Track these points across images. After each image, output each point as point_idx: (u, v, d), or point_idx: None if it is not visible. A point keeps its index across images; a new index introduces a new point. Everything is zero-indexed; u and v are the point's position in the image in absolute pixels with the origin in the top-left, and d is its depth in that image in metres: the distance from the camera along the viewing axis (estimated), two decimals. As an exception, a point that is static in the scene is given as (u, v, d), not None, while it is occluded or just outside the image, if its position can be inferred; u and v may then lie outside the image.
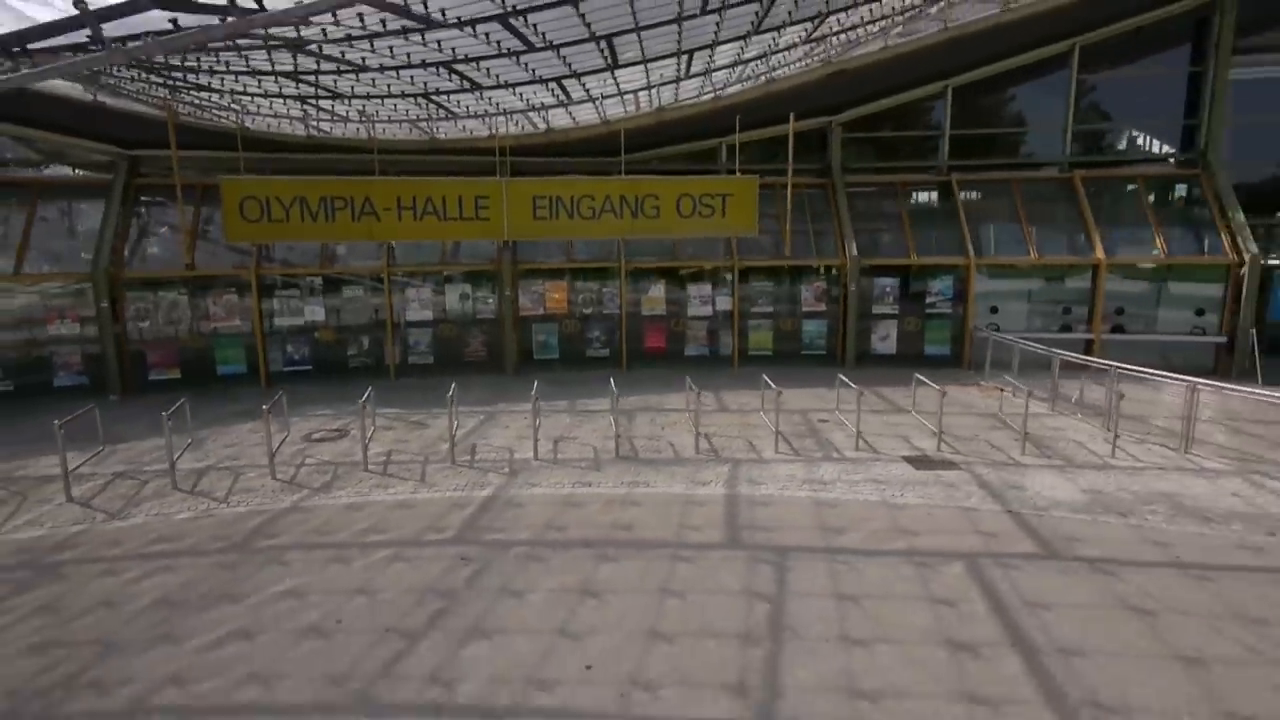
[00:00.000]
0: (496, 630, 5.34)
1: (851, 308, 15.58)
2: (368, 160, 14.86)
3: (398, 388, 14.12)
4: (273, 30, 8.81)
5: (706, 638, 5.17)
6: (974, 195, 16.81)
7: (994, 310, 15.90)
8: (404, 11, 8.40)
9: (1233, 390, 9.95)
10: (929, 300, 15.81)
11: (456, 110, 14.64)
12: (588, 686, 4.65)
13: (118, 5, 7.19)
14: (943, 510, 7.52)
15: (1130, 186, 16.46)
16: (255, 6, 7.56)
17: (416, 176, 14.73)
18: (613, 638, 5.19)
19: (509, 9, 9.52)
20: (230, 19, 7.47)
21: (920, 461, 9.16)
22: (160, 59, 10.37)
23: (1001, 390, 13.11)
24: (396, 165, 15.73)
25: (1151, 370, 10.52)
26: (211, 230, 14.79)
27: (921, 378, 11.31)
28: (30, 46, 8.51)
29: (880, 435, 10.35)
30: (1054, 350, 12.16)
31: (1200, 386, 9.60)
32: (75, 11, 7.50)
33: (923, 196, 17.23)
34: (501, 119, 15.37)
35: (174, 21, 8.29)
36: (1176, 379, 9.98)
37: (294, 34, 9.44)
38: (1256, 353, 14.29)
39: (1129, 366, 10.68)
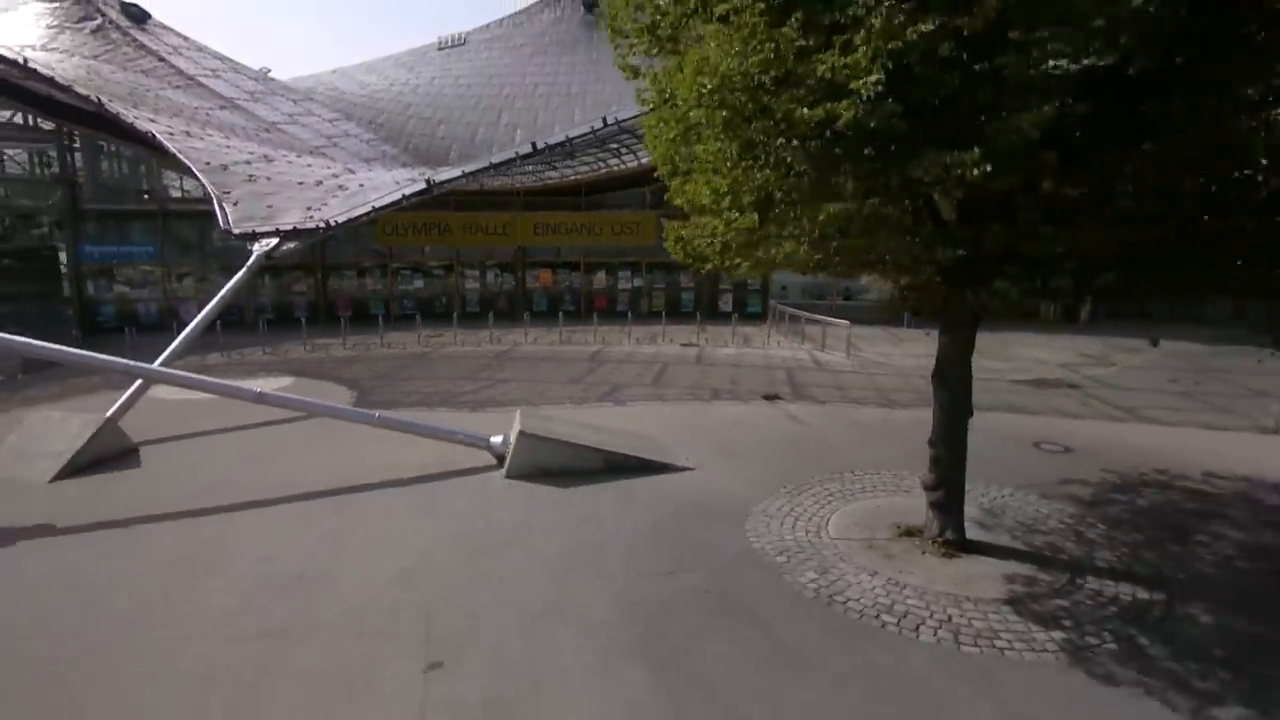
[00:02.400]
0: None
1: (704, 287, 28.83)
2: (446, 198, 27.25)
3: (463, 321, 26.64)
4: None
5: (681, 366, 18.11)
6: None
7: (784, 289, 29.36)
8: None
9: (865, 327, 23.38)
10: (749, 284, 29.17)
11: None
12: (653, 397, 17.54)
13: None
14: (748, 355, 20.70)
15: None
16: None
17: (472, 212, 27.18)
18: (674, 374, 18.11)
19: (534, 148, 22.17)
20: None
21: (720, 347, 22.39)
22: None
23: (772, 331, 26.56)
24: (460, 201, 28.12)
25: (831, 319, 23.85)
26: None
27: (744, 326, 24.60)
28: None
29: (717, 342, 23.55)
30: (801, 311, 25.50)
31: (840, 323, 22.99)
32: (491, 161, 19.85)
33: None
34: (520, 178, 27.98)
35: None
36: (836, 321, 23.32)
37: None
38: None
39: (819, 316, 24.03)
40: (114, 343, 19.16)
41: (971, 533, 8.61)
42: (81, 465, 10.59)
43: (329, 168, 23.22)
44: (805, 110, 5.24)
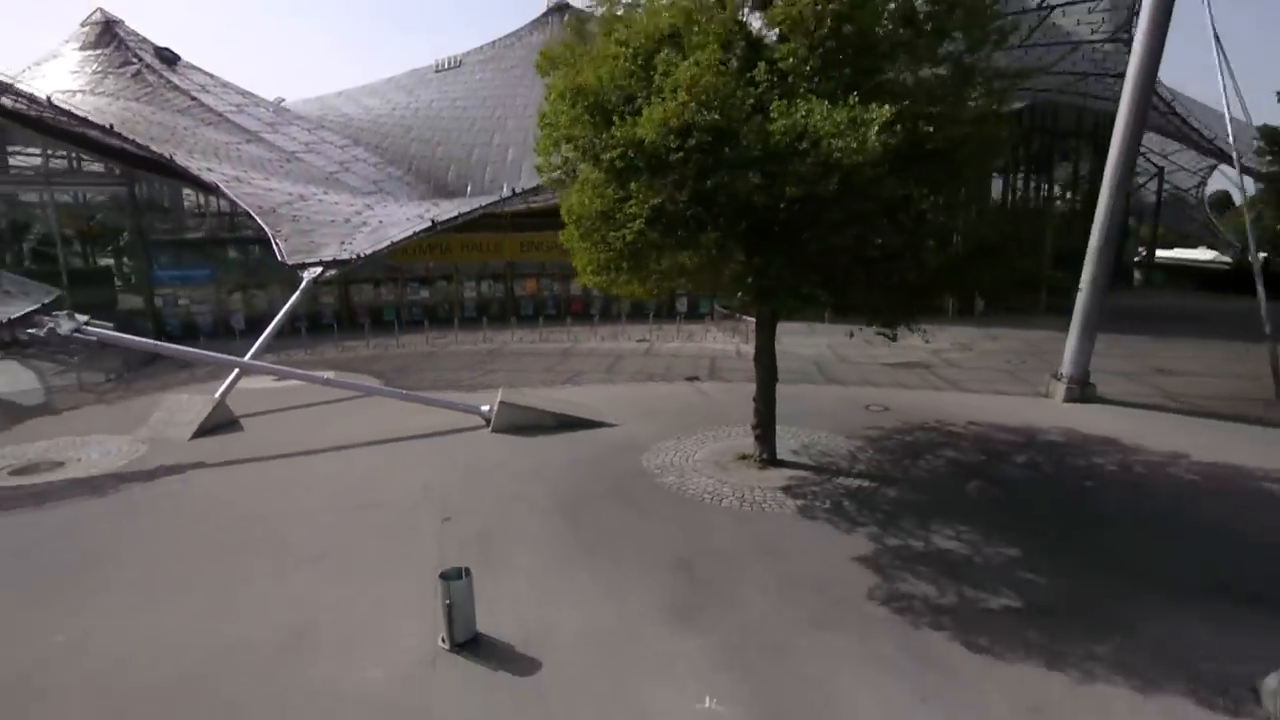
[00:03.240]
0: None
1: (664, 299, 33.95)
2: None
3: (463, 324, 31.76)
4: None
5: (632, 358, 23.26)
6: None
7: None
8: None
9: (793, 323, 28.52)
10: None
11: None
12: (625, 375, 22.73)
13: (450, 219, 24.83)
14: (687, 348, 25.87)
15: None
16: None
17: (469, 233, 32.30)
18: (620, 364, 23.27)
19: (513, 192, 27.30)
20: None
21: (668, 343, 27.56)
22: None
23: (711, 328, 31.68)
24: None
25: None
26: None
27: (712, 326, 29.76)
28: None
29: (666, 338, 28.70)
30: (736, 311, 30.62)
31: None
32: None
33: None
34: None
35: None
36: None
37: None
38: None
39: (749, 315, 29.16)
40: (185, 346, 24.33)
41: (783, 455, 13.80)
42: (206, 430, 15.79)
43: (352, 204, 28.34)
44: (615, 233, 10.36)
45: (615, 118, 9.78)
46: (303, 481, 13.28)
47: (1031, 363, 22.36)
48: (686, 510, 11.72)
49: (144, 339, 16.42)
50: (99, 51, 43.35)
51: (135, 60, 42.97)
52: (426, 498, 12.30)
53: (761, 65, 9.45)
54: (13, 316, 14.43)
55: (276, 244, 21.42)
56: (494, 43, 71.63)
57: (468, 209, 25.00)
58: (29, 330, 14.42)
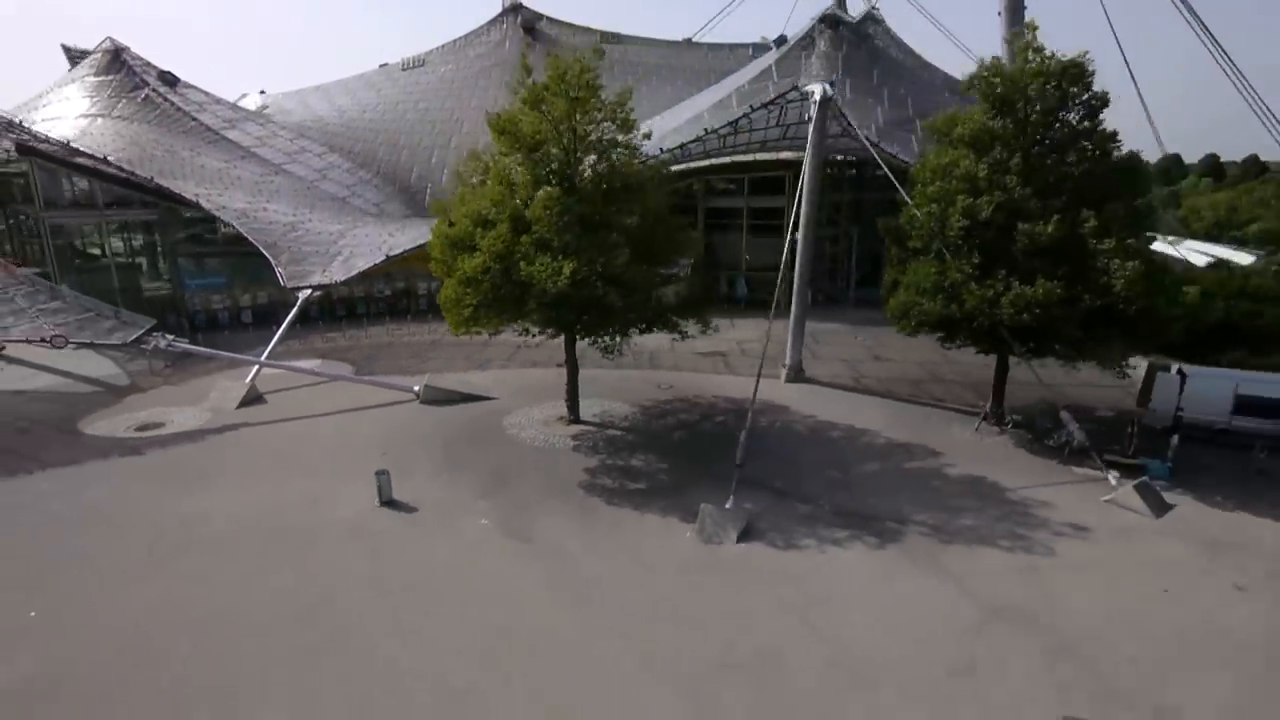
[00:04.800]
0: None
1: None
2: (402, 236, 41.94)
3: (415, 317, 41.48)
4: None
5: (531, 350, 33.44)
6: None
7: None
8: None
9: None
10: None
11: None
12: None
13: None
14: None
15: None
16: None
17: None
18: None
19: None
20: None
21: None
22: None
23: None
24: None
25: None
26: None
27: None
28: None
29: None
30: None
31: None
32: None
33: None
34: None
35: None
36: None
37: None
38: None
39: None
40: (210, 335, 34.20)
41: (585, 418, 24.23)
42: (246, 402, 25.87)
43: (330, 231, 37.73)
44: (463, 309, 20.40)
45: (460, 254, 19.84)
46: (305, 433, 23.56)
47: (815, 350, 32.73)
48: (513, 448, 22.16)
49: (204, 348, 26.47)
50: (110, 77, 51.55)
51: (143, 84, 51.29)
52: (374, 441, 22.61)
53: (525, 238, 19.42)
54: (131, 339, 24.19)
55: (279, 272, 31.13)
56: (455, 41, 79.59)
57: (411, 246, 34.27)
58: (141, 345, 24.23)
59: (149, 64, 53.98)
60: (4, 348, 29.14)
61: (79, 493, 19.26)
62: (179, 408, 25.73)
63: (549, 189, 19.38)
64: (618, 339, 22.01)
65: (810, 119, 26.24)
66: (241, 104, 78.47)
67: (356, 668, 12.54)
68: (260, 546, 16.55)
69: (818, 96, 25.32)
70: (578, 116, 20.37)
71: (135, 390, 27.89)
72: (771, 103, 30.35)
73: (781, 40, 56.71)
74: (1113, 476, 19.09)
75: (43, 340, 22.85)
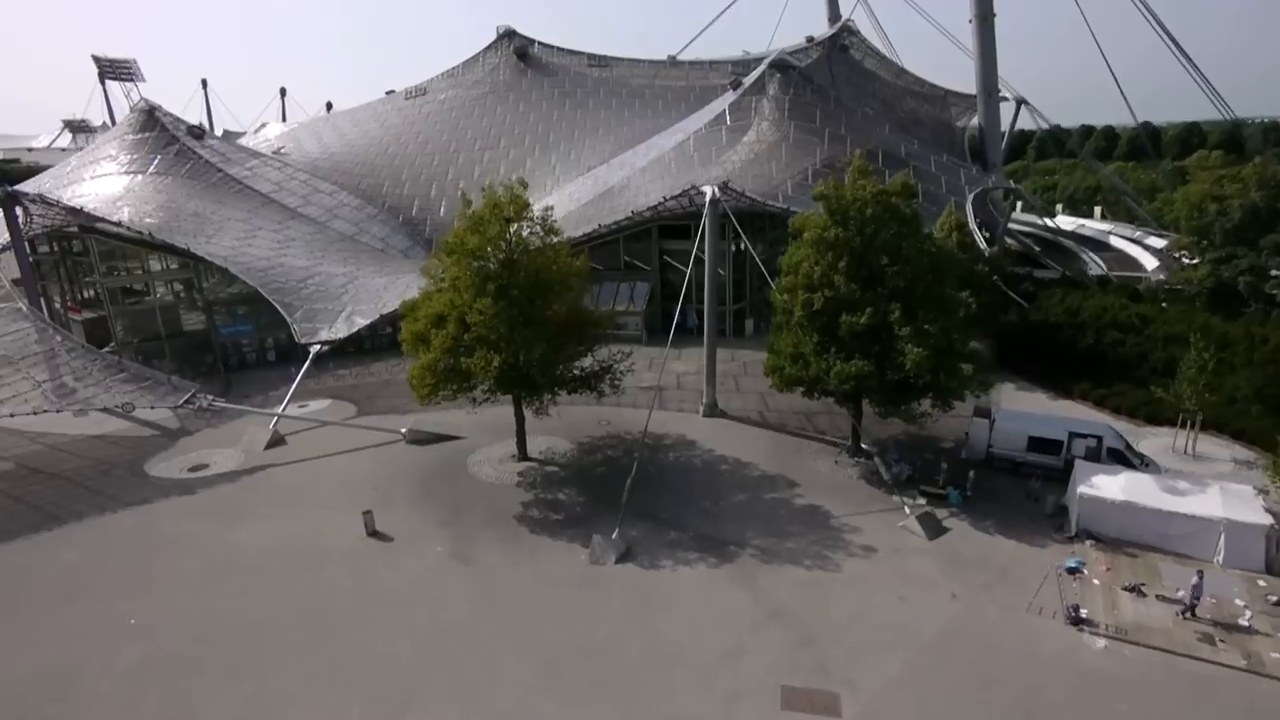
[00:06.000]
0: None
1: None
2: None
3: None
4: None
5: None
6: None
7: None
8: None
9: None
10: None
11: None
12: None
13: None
14: (524, 373, 42.95)
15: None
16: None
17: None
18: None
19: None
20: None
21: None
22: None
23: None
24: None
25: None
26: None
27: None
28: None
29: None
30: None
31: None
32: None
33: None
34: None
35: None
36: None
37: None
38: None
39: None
40: (240, 374, 41.69)
41: (532, 454, 31.06)
42: (271, 445, 33.07)
43: (337, 277, 44.69)
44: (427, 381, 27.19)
45: (420, 347, 26.68)
46: (315, 472, 30.71)
47: (739, 382, 39.05)
48: (471, 484, 29.06)
49: (235, 405, 33.78)
50: (146, 135, 58.84)
51: (175, 140, 58.43)
52: (368, 478, 29.64)
53: (467, 335, 26.09)
54: (181, 401, 31.42)
55: (294, 329, 38.20)
56: (453, 70, 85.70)
57: (397, 304, 40.88)
58: (189, 405, 31.49)
59: (178, 120, 61.17)
60: (134, 408, 36.24)
61: (152, 527, 26.60)
62: (220, 450, 33.04)
63: (483, 300, 25.92)
64: (545, 401, 28.70)
65: (705, 211, 32.48)
66: (262, 133, 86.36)
67: (340, 653, 19.60)
68: (280, 568, 23.69)
69: (709, 197, 31.48)
70: (510, 230, 26.90)
71: (185, 433, 35.29)
72: (674, 199, 36.64)
73: (786, 59, 60.84)
74: (907, 506, 25.42)
75: (119, 408, 30.19)
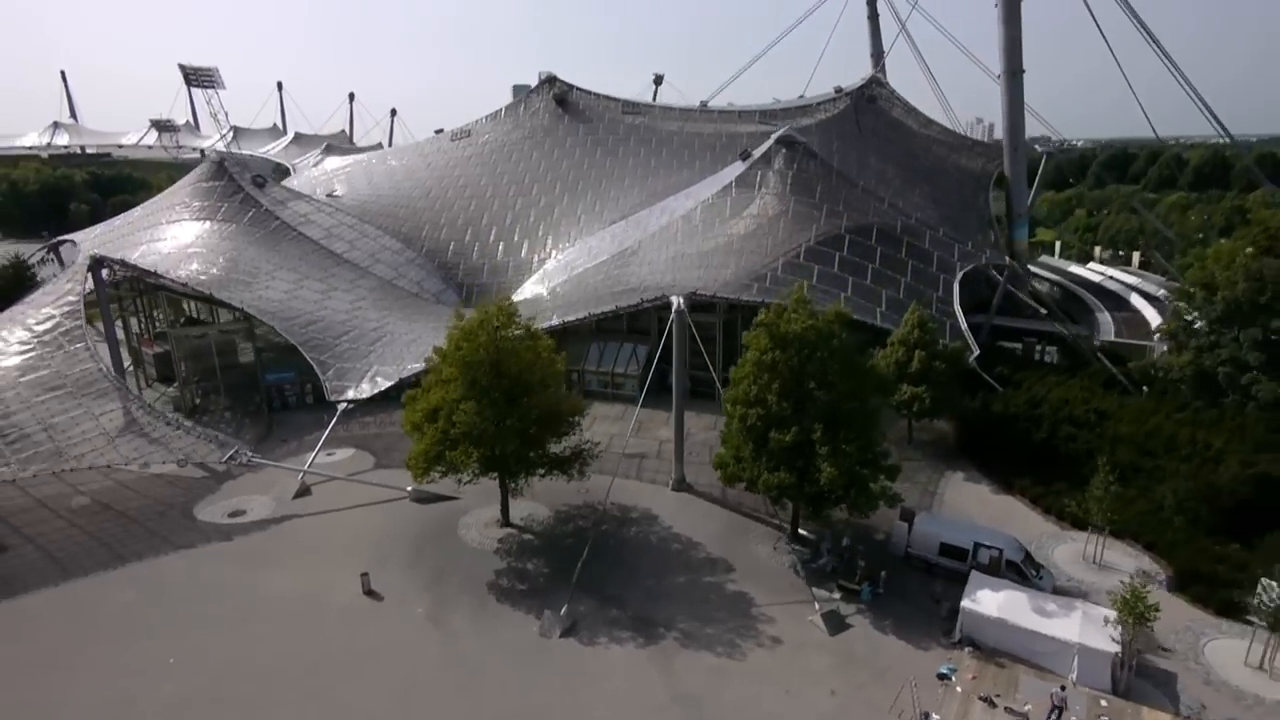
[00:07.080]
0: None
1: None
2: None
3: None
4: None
5: (477, 443, 45.57)
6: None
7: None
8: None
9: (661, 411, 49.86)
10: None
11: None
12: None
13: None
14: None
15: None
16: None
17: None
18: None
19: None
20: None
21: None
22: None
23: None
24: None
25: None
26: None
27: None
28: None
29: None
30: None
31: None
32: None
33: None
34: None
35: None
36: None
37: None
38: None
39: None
40: (282, 415, 47.91)
41: (514, 519, 35.96)
42: (299, 494, 38.82)
43: (372, 320, 50.50)
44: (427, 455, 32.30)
45: (427, 423, 31.85)
46: (331, 526, 36.24)
47: (711, 449, 43.16)
48: (456, 548, 34.10)
49: (269, 462, 39.75)
50: (214, 184, 66.06)
51: (239, 190, 65.42)
52: (373, 535, 34.99)
53: (453, 431, 31.08)
54: (226, 457, 37.45)
55: (326, 386, 44.01)
56: (497, 113, 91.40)
57: (410, 373, 46.02)
58: (233, 460, 37.55)
59: (243, 168, 68.33)
60: (187, 463, 42.99)
61: (195, 571, 32.47)
62: (256, 496, 38.96)
63: (467, 403, 30.85)
64: (520, 483, 33.55)
65: (674, 313, 36.88)
66: (321, 166, 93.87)
67: (331, 704, 24.80)
68: (292, 618, 29.16)
69: (674, 307, 35.83)
70: (499, 335, 31.77)
71: (229, 477, 41.39)
72: (649, 303, 41.26)
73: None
74: (817, 603, 29.30)
75: (176, 463, 36.51)
